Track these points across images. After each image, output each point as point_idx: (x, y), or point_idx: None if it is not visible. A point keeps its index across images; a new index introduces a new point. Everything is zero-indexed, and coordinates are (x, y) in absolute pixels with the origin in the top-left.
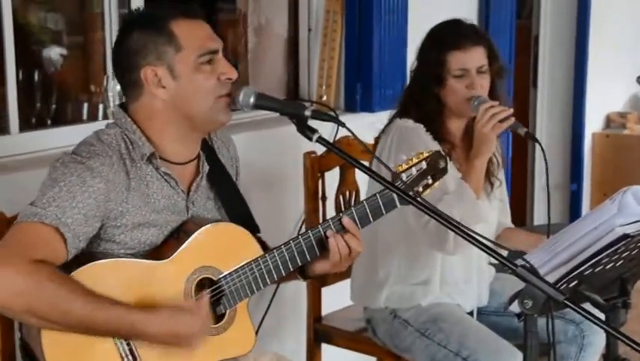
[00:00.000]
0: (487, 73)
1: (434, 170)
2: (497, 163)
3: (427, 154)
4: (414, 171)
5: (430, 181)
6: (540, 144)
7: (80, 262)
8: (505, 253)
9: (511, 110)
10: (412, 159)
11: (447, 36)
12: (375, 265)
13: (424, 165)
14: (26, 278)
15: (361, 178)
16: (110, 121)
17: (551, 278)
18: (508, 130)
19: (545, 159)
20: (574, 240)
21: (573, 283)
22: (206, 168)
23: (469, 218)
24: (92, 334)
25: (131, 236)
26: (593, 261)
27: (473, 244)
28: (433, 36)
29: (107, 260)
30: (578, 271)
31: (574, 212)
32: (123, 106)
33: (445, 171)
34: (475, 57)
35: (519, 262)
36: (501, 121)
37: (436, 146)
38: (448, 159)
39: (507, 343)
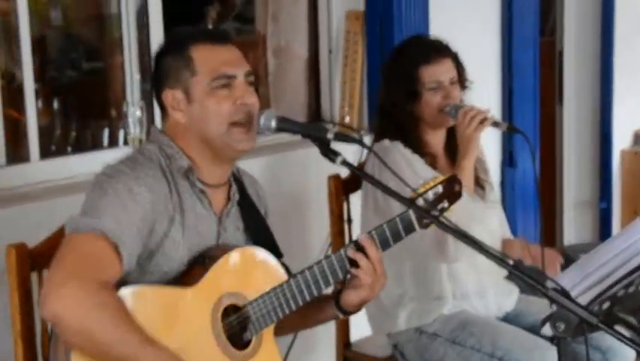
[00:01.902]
0: (457, 84)
1: (450, 193)
2: (485, 170)
3: (443, 178)
4: (430, 195)
5: (446, 205)
6: (524, 135)
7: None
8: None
9: (489, 109)
10: (428, 183)
11: (416, 51)
12: (386, 289)
13: (439, 188)
14: (93, 299)
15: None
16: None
17: (583, 300)
18: (492, 127)
19: (531, 149)
20: (605, 260)
21: (606, 305)
22: (237, 196)
23: (463, 217)
24: None
25: (167, 257)
26: (626, 281)
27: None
28: (400, 53)
29: (134, 286)
30: (611, 292)
31: (604, 231)
32: (160, 125)
33: (459, 195)
34: (445, 69)
35: (550, 284)
36: (481, 122)
37: (418, 161)
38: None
39: (540, 338)
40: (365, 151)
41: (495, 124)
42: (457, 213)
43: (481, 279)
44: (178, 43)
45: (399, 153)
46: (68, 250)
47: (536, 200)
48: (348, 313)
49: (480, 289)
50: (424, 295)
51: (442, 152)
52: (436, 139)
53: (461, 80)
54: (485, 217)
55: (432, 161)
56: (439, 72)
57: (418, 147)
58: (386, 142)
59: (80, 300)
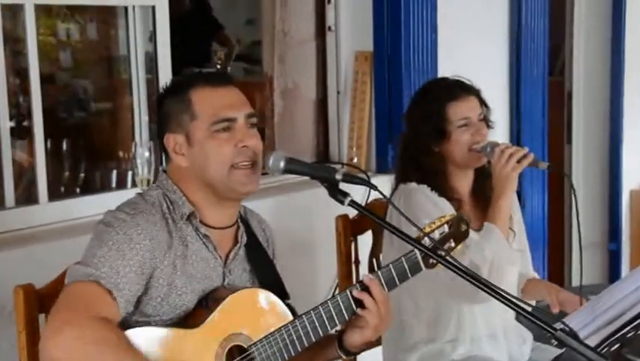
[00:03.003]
0: (484, 121)
1: (456, 233)
2: (510, 216)
3: (450, 217)
4: (437, 234)
5: (453, 245)
6: (567, 176)
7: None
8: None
9: (527, 149)
10: (434, 222)
11: (443, 90)
12: (403, 331)
13: (446, 228)
14: (96, 334)
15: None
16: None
17: (592, 342)
18: (530, 166)
19: (573, 190)
20: (615, 301)
21: (615, 347)
22: (244, 239)
23: (501, 259)
24: None
25: (167, 301)
26: (636, 323)
27: (496, 297)
28: (425, 93)
29: (139, 328)
30: (621, 333)
31: (613, 272)
32: (165, 169)
33: (466, 234)
34: (473, 106)
35: (558, 325)
36: (519, 160)
37: (443, 202)
38: (468, 222)
39: None
40: (372, 192)
41: (534, 163)
42: (496, 253)
43: (493, 322)
44: (178, 86)
45: (424, 195)
46: (64, 297)
47: (544, 241)
48: (350, 353)
49: (492, 332)
50: (438, 337)
51: (468, 197)
52: (463, 184)
53: (486, 119)
54: (515, 260)
55: (458, 206)
56: (467, 109)
57: (444, 191)
58: (413, 185)
59: (78, 341)
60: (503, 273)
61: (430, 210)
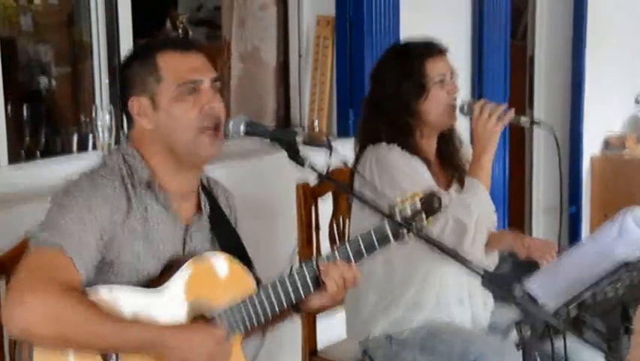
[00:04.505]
0: (455, 79)
1: (428, 210)
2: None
3: (422, 195)
4: (408, 209)
5: (424, 220)
6: (550, 129)
7: None
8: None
9: (506, 105)
10: (406, 198)
11: (419, 48)
12: (367, 296)
13: (418, 204)
14: (59, 302)
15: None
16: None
17: (551, 305)
18: (511, 122)
19: (557, 143)
20: (574, 266)
21: (574, 311)
22: (207, 208)
23: (485, 215)
24: (122, 352)
25: (129, 267)
26: (595, 289)
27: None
28: (404, 51)
29: (104, 287)
30: (580, 298)
31: (573, 235)
32: (127, 134)
33: (438, 210)
34: (447, 64)
35: (518, 289)
36: (500, 117)
37: (417, 161)
38: (441, 200)
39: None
40: (334, 157)
41: (516, 119)
42: (481, 208)
43: (461, 287)
44: (144, 50)
45: (398, 154)
46: (26, 265)
47: (505, 204)
48: (302, 313)
49: (460, 298)
50: (402, 301)
51: (435, 159)
52: (431, 144)
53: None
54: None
55: (427, 166)
56: (442, 66)
57: (414, 152)
58: (383, 145)
59: (44, 309)
60: (484, 228)
61: (405, 169)
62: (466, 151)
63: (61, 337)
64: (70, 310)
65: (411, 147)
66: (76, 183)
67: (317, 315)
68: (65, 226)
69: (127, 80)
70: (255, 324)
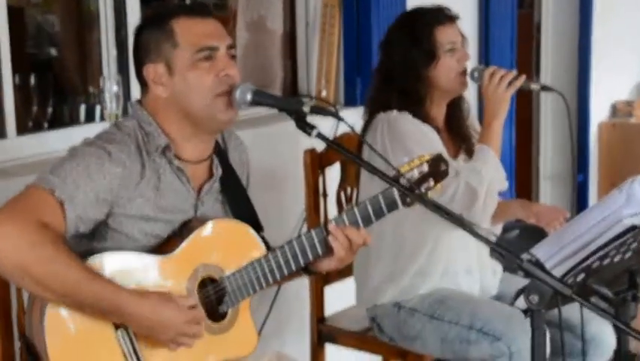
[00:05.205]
0: (465, 46)
1: (435, 172)
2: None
3: (429, 157)
4: (416, 172)
5: (432, 184)
6: (561, 94)
7: (85, 255)
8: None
9: (516, 71)
10: (413, 161)
11: (429, 15)
12: (376, 265)
13: (425, 167)
14: (31, 236)
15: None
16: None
17: (558, 272)
18: (522, 88)
19: (568, 110)
20: (581, 232)
21: (581, 277)
22: (219, 171)
23: (496, 181)
24: (77, 307)
25: (138, 228)
26: (601, 253)
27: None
28: (413, 18)
29: (111, 253)
30: (586, 263)
31: (581, 203)
32: (140, 101)
33: (446, 173)
34: (457, 31)
35: (525, 256)
36: (510, 82)
37: (428, 128)
38: (448, 163)
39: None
40: (341, 125)
41: (526, 84)
42: (492, 175)
43: (470, 256)
44: (159, 17)
45: (410, 122)
46: (14, 198)
47: (511, 172)
48: (312, 274)
49: (468, 267)
50: (410, 268)
51: (444, 127)
52: (440, 112)
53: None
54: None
55: (437, 133)
56: (453, 34)
57: (424, 119)
58: (394, 112)
59: (16, 237)
60: (495, 194)
61: (417, 135)
62: (473, 122)
63: (22, 267)
64: (39, 247)
65: (422, 115)
66: (93, 142)
67: (325, 284)
68: (67, 173)
69: (141, 46)
70: (264, 286)
